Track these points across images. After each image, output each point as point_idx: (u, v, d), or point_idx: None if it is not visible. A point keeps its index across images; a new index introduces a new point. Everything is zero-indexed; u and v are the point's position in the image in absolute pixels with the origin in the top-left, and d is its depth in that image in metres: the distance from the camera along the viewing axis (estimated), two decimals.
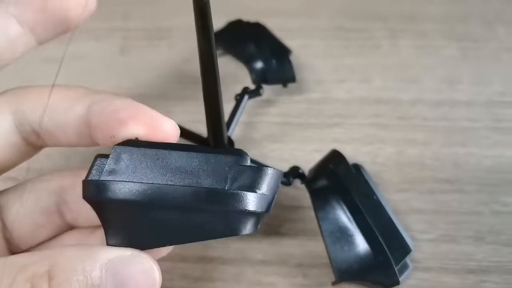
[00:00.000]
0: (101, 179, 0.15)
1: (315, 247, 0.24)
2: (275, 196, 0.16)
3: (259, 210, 0.15)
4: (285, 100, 0.32)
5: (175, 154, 0.16)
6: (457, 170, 0.28)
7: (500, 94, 0.32)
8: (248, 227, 0.16)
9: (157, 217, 0.16)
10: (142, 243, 0.16)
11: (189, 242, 0.17)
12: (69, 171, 0.20)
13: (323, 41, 0.37)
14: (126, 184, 0.15)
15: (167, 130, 0.17)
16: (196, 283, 0.23)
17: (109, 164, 0.16)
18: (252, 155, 0.27)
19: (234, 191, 0.15)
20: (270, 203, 0.16)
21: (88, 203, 0.16)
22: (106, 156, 0.16)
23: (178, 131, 0.18)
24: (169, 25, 0.38)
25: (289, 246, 0.25)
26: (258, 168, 0.16)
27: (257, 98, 0.31)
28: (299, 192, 0.27)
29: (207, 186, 0.15)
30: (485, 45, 0.36)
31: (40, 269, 0.14)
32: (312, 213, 0.23)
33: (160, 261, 0.24)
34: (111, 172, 0.15)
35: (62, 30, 0.18)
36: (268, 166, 0.16)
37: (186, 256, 0.24)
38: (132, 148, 0.16)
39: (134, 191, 0.15)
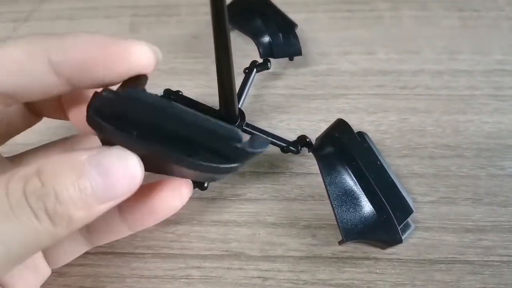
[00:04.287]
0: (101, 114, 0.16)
1: (323, 210, 0.26)
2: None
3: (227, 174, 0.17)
4: (292, 72, 0.33)
5: (179, 117, 0.16)
6: (457, 136, 0.29)
7: (500, 63, 0.33)
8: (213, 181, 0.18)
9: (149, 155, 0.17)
10: None
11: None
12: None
13: (326, 14, 0.38)
14: (119, 128, 0.16)
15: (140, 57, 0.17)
16: (213, 244, 0.25)
17: (114, 102, 0.16)
18: (261, 126, 0.29)
19: (209, 163, 0.16)
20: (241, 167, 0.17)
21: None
22: (113, 93, 0.16)
23: (154, 59, 0.18)
24: (177, 2, 0.39)
25: (298, 210, 0.26)
26: (244, 150, 0.16)
27: (265, 71, 0.32)
28: (307, 159, 0.28)
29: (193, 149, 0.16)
30: (486, 14, 0.37)
31: (30, 170, 0.16)
32: (319, 179, 0.25)
33: (178, 225, 0.26)
34: (113, 111, 0.16)
35: (98, 86, 0.18)
36: (257, 143, 0.16)
37: (202, 220, 0.26)
38: (142, 97, 0.16)
39: (126, 136, 0.16)
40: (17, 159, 0.22)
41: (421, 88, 0.32)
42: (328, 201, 0.24)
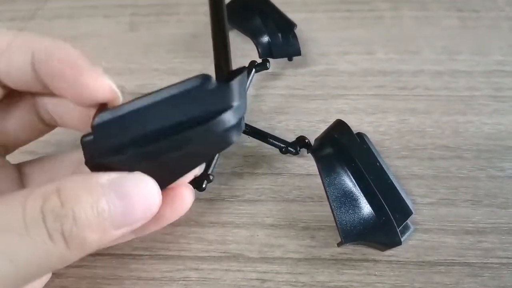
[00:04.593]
0: (97, 155, 0.17)
1: (321, 211, 0.26)
2: (246, 91, 0.17)
3: (238, 118, 0.17)
4: (291, 73, 0.33)
5: (150, 106, 0.16)
6: (456, 137, 0.29)
7: (500, 63, 0.33)
8: (234, 135, 0.17)
9: (156, 164, 0.17)
10: None
11: (189, 171, 0.19)
12: None
13: (326, 14, 0.38)
14: (118, 154, 0.17)
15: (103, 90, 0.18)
16: (211, 245, 0.25)
17: (96, 141, 0.17)
18: (260, 127, 0.29)
19: (212, 121, 0.16)
20: (245, 103, 0.17)
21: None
22: (90, 135, 0.17)
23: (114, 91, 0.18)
24: (177, 1, 0.39)
25: (297, 211, 0.26)
26: (224, 86, 0.16)
27: (264, 72, 0.32)
28: (306, 160, 0.28)
29: (189, 123, 0.16)
30: (485, 15, 0.37)
31: (49, 188, 0.16)
32: (318, 180, 0.25)
33: (176, 226, 0.26)
34: (102, 147, 0.17)
35: (65, 97, 0.19)
36: (235, 74, 0.16)
37: (200, 221, 0.26)
38: (110, 117, 0.17)
39: (128, 156, 0.17)
40: (21, 168, 0.22)
41: (420, 88, 0.32)
42: (327, 203, 0.24)
